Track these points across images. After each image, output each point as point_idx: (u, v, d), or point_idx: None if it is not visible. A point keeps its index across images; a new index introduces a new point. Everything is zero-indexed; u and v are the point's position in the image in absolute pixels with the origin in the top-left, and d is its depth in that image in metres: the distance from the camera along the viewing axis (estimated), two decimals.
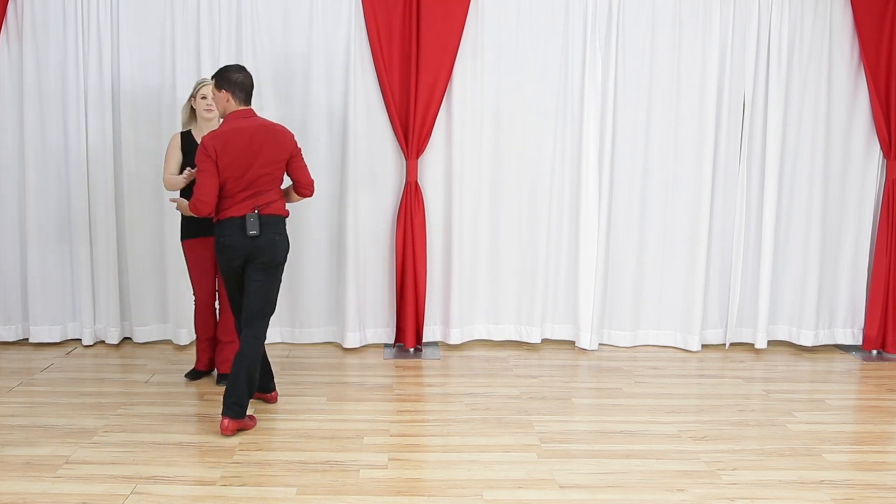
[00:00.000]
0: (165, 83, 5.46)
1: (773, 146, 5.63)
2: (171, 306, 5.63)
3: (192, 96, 4.71)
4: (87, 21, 5.36)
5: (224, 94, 4.14)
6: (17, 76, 5.46)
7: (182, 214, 4.71)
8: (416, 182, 5.51)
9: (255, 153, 4.08)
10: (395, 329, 5.74)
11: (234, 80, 4.13)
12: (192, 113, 4.79)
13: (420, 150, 5.50)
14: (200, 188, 4.04)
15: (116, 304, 5.60)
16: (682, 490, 3.58)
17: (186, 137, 4.74)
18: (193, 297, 4.88)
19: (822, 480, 3.71)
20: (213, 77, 4.24)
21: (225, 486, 3.54)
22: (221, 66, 4.68)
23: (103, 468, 3.69)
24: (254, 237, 4.09)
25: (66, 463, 3.74)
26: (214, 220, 4.20)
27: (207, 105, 4.64)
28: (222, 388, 4.78)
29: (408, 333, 5.60)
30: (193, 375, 4.97)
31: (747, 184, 5.74)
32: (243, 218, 4.09)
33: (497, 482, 3.62)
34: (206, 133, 4.60)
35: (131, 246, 5.58)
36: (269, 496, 3.45)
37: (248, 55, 5.43)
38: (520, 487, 3.57)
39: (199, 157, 4.06)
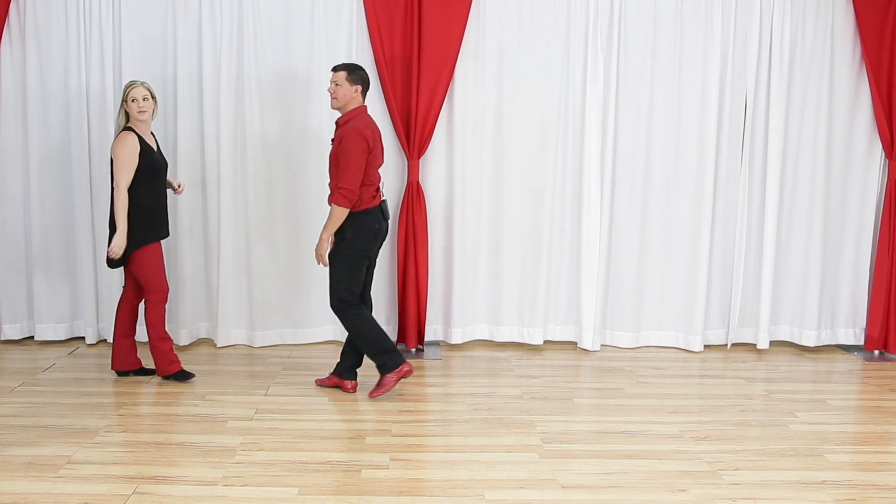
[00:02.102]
0: (167, 83, 5.46)
1: (774, 146, 5.63)
2: (171, 306, 5.63)
3: (124, 100, 4.60)
4: (89, 21, 5.37)
5: (355, 88, 4.50)
6: (19, 76, 5.47)
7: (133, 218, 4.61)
8: (418, 182, 5.51)
9: (382, 146, 4.62)
10: (396, 329, 5.75)
11: (366, 80, 4.56)
12: (126, 116, 4.67)
13: (422, 150, 5.50)
14: (356, 175, 4.40)
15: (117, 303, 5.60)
16: (683, 490, 3.58)
17: (140, 138, 4.64)
18: (158, 298, 4.74)
19: (824, 481, 3.71)
20: (341, 69, 4.51)
21: (227, 486, 3.55)
22: (347, 62, 4.83)
23: (105, 468, 3.69)
24: (387, 221, 4.68)
25: (68, 463, 3.74)
26: (353, 209, 4.45)
27: (140, 108, 4.57)
28: (224, 388, 4.78)
29: (409, 333, 5.60)
30: (184, 376, 4.93)
31: (749, 184, 5.74)
32: (382, 204, 4.62)
33: (499, 482, 3.62)
34: (145, 132, 4.67)
35: None
36: (270, 496, 3.45)
37: (250, 55, 5.43)
38: (521, 487, 3.57)
39: (357, 146, 4.38)
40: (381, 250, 5.65)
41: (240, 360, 5.40)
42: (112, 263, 4.68)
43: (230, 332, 5.68)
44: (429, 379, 5.06)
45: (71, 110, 5.46)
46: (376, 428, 4.24)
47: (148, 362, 5.04)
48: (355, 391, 4.78)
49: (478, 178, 5.64)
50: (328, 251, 4.56)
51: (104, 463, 3.75)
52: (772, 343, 5.95)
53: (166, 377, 4.90)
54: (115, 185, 4.58)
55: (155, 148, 4.76)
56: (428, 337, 5.76)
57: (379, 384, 4.65)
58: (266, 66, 5.48)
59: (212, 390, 4.79)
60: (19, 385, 4.81)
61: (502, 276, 5.77)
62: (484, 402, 4.67)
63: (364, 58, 5.45)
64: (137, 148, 4.59)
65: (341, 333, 5.74)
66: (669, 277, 5.80)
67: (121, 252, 4.59)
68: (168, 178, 4.91)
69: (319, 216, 5.58)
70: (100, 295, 5.63)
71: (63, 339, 5.69)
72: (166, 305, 4.85)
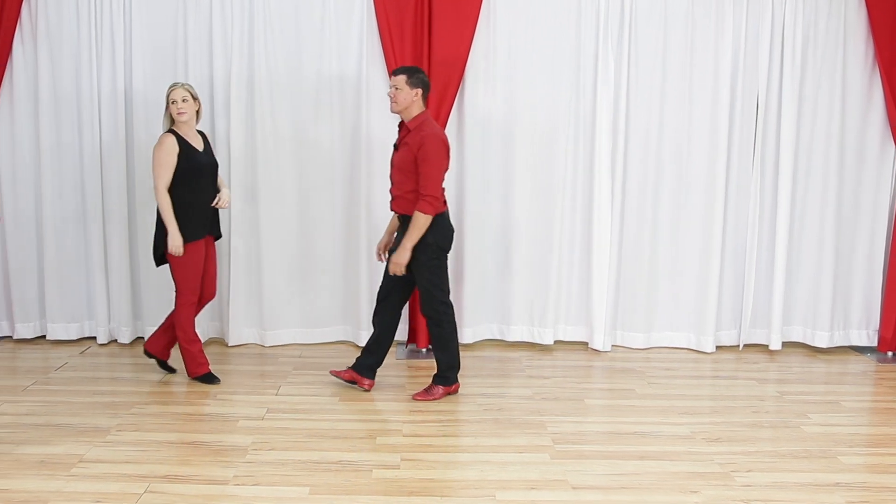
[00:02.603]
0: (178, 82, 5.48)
1: (786, 146, 5.60)
2: None
3: (166, 101, 4.65)
4: (100, 21, 5.39)
5: (416, 92, 4.47)
6: (31, 76, 5.49)
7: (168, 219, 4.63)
8: None
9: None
10: (407, 328, 5.74)
11: (426, 83, 4.52)
12: (171, 118, 4.71)
13: None
14: (438, 181, 4.43)
15: (128, 303, 5.63)
16: (695, 492, 3.57)
17: (179, 138, 4.66)
18: (187, 300, 4.76)
19: (837, 483, 3.68)
20: (401, 73, 4.47)
21: (238, 485, 3.55)
22: (409, 65, 4.82)
23: (117, 467, 3.71)
24: None
25: (81, 461, 3.75)
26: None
27: (179, 109, 4.61)
28: (235, 388, 4.80)
29: (420, 333, 5.60)
30: (211, 379, 4.94)
31: (761, 184, 5.71)
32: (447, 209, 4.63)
33: (510, 483, 3.61)
34: (188, 134, 4.68)
35: (144, 246, 5.60)
36: (281, 496, 3.46)
37: (261, 57, 5.44)
38: (532, 488, 3.57)
39: (438, 152, 4.40)
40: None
41: (251, 360, 5.40)
42: (157, 263, 4.77)
43: (241, 332, 5.70)
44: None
45: (82, 110, 5.48)
46: (387, 428, 4.24)
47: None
48: (371, 390, 4.79)
49: (488, 178, 5.64)
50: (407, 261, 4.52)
51: (116, 462, 3.76)
52: (784, 344, 5.92)
53: (194, 378, 4.91)
54: (154, 188, 4.63)
55: (200, 148, 4.75)
56: None
57: (428, 391, 4.70)
58: (276, 67, 5.48)
59: (223, 389, 4.80)
60: (32, 384, 4.84)
61: (512, 276, 5.76)
62: (495, 403, 4.66)
63: (374, 59, 5.46)
64: (175, 149, 4.60)
65: (353, 334, 5.76)
66: (681, 278, 5.78)
67: (181, 249, 4.61)
68: (220, 181, 4.91)
69: (330, 215, 5.61)
70: (111, 295, 5.65)
71: (74, 338, 5.72)
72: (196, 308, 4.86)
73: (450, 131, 5.53)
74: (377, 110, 5.51)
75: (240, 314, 5.66)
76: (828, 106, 5.65)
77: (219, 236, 4.95)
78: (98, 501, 3.37)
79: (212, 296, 4.97)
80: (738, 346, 5.88)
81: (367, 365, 4.80)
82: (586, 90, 5.59)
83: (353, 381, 4.82)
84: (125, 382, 4.91)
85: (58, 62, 5.45)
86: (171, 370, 5.08)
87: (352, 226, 5.63)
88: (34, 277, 5.69)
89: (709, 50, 5.56)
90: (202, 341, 5.06)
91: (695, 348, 5.81)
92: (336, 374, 4.86)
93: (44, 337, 5.76)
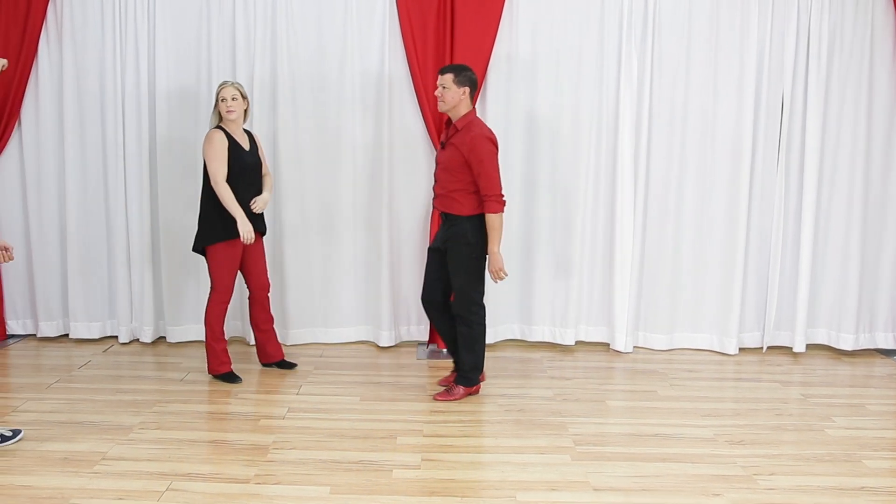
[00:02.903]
0: (201, 82, 5.52)
1: (812, 146, 5.55)
2: (204, 305, 5.67)
3: (216, 99, 4.73)
4: (125, 22, 5.43)
5: (463, 90, 4.46)
6: (56, 75, 5.54)
7: (223, 215, 4.71)
8: None
9: None
10: (428, 329, 5.75)
11: (474, 80, 4.50)
12: (219, 116, 4.79)
13: None
14: (498, 180, 4.42)
15: (151, 302, 5.67)
16: (718, 495, 3.53)
17: (228, 136, 4.73)
18: (219, 297, 4.80)
19: (863, 487, 3.64)
20: (448, 71, 4.46)
21: (259, 484, 3.56)
22: (456, 63, 4.80)
23: (139, 465, 3.73)
24: None
25: (103, 459, 3.78)
26: (466, 213, 4.48)
27: (228, 107, 4.68)
28: (256, 387, 4.81)
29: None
30: (232, 378, 4.96)
31: (785, 185, 5.66)
32: None
33: (530, 484, 3.60)
34: (235, 132, 4.72)
35: (166, 246, 5.64)
36: (302, 495, 3.46)
37: (283, 55, 5.46)
38: (553, 489, 3.55)
39: (490, 151, 4.38)
40: (412, 250, 5.70)
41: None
42: (196, 250, 4.84)
43: None
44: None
45: (106, 110, 5.52)
46: (408, 428, 4.24)
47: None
48: (484, 379, 4.81)
49: (510, 178, 5.62)
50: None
51: (138, 459, 3.78)
52: (808, 346, 5.87)
53: (216, 377, 4.94)
54: (212, 182, 4.67)
55: (247, 147, 4.80)
56: None
57: (450, 391, 4.71)
58: (299, 66, 5.50)
59: (244, 388, 4.82)
60: (55, 381, 4.88)
61: (534, 276, 5.75)
62: (516, 403, 4.65)
63: (396, 59, 5.46)
64: (225, 143, 4.67)
65: (373, 334, 5.76)
66: (704, 279, 5.74)
67: (252, 235, 4.67)
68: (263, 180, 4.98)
69: (352, 214, 5.61)
70: (133, 294, 5.69)
71: (97, 337, 5.77)
72: (228, 307, 4.93)
73: None
74: (399, 110, 5.52)
75: None
76: (854, 106, 5.59)
77: (263, 232, 4.99)
78: (120, 499, 3.39)
79: (263, 288, 5.02)
80: (762, 348, 5.84)
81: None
82: (609, 90, 5.56)
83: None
84: (147, 381, 4.94)
85: (82, 62, 5.50)
86: (292, 365, 5.20)
87: (373, 225, 5.63)
88: (57, 276, 5.75)
89: (733, 50, 5.52)
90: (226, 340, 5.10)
91: (717, 350, 5.77)
92: (444, 383, 4.92)
93: (66, 335, 5.81)
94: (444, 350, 5.62)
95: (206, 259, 4.81)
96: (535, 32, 5.52)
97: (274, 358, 5.16)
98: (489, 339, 5.72)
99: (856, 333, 5.79)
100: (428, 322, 5.75)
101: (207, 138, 4.69)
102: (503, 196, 4.45)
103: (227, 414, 4.39)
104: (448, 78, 4.47)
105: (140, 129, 5.50)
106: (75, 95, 5.52)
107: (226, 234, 4.73)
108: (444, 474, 3.68)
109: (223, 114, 4.72)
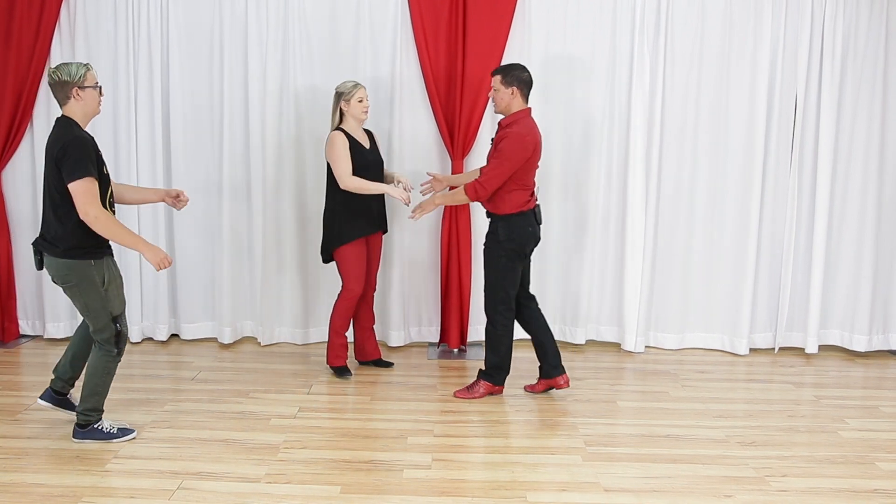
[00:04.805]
0: (214, 86, 5.53)
1: (825, 147, 5.52)
2: (217, 304, 5.70)
3: (347, 100, 4.75)
4: (138, 23, 5.44)
5: (512, 91, 4.45)
6: None
7: (343, 213, 4.79)
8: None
9: (541, 151, 4.54)
10: (439, 329, 5.74)
11: (523, 79, 4.47)
12: (340, 115, 4.83)
13: (466, 150, 5.48)
14: (498, 179, 4.38)
15: (165, 301, 5.69)
16: (729, 496, 3.52)
17: (348, 136, 4.78)
18: (349, 294, 4.89)
19: (875, 489, 3.62)
20: (496, 73, 4.49)
21: (270, 483, 3.57)
22: (508, 63, 4.75)
23: (151, 463, 3.74)
24: (540, 225, 4.65)
25: (115, 457, 3.79)
26: (500, 211, 4.49)
27: (365, 108, 4.78)
28: (267, 386, 4.82)
29: (451, 334, 5.59)
30: (343, 372, 5.04)
31: (798, 185, 5.63)
32: (536, 208, 4.58)
33: (541, 484, 3.59)
34: (356, 132, 4.81)
35: (180, 244, 5.66)
36: (313, 494, 3.46)
37: (295, 57, 5.46)
38: (564, 490, 3.54)
39: (514, 151, 4.34)
40: (424, 250, 5.69)
41: (283, 359, 5.43)
42: (325, 260, 4.97)
43: (274, 331, 5.73)
44: (471, 380, 5.04)
45: (119, 111, 5.54)
46: (418, 428, 4.24)
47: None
48: (568, 385, 4.77)
49: None
50: (424, 213, 4.63)
51: (150, 458, 3.80)
52: (821, 348, 5.84)
53: (331, 367, 5.06)
54: (339, 182, 4.71)
55: (367, 146, 4.87)
56: (470, 337, 5.75)
57: (471, 388, 4.74)
58: (312, 68, 5.50)
59: (255, 388, 4.83)
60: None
61: (546, 275, 5.74)
62: (526, 404, 4.64)
63: (409, 61, 5.46)
64: (346, 143, 4.74)
65: (383, 333, 5.76)
66: (715, 279, 5.72)
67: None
68: (388, 174, 5.05)
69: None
70: (144, 294, 5.71)
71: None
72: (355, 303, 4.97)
73: (483, 132, 5.52)
74: (410, 113, 5.51)
75: (272, 313, 5.69)
76: (868, 107, 5.56)
77: (385, 231, 5.07)
78: (132, 497, 3.40)
79: (372, 288, 5.14)
80: (774, 348, 5.81)
81: (551, 366, 4.77)
82: (621, 90, 5.55)
83: (550, 388, 4.84)
84: (159, 380, 4.96)
85: (95, 63, 5.51)
86: (389, 364, 5.29)
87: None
88: None
89: (746, 49, 5.49)
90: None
91: (729, 350, 5.74)
92: (531, 389, 4.88)
93: None
94: (456, 350, 5.61)
95: (336, 261, 4.89)
96: (547, 34, 5.51)
97: (372, 356, 5.25)
98: None
99: (869, 335, 5.75)
100: (439, 323, 5.74)
101: (329, 141, 4.76)
102: (487, 195, 4.44)
103: (238, 413, 4.41)
104: (496, 80, 4.50)
105: (153, 128, 5.52)
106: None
107: (352, 234, 4.81)
108: (455, 474, 3.68)
109: (356, 115, 4.79)
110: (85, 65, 3.74)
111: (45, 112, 5.56)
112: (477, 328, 5.76)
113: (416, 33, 5.38)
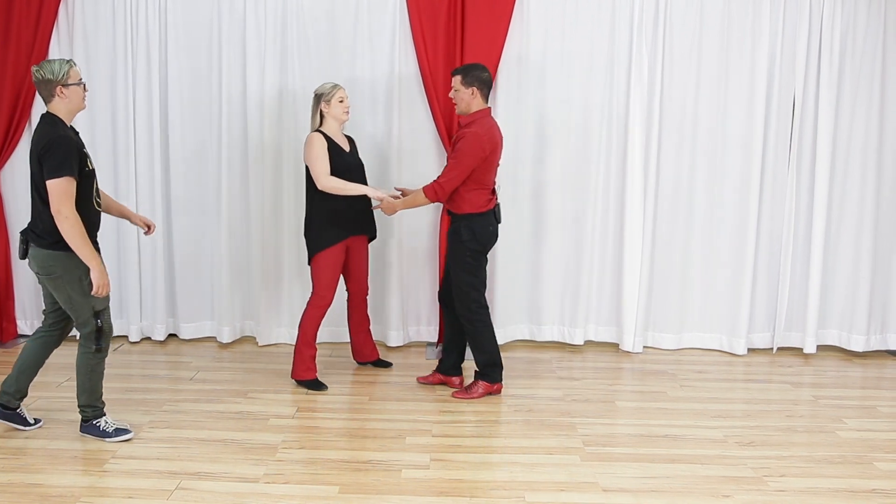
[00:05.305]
0: (212, 85, 5.53)
1: (823, 146, 5.52)
2: (216, 304, 5.70)
3: (327, 101, 4.68)
4: (136, 23, 5.44)
5: (472, 91, 4.47)
6: None
7: (322, 220, 4.70)
8: None
9: (501, 151, 4.56)
10: (437, 329, 5.74)
11: (483, 79, 4.49)
12: (321, 117, 4.76)
13: None
14: (457, 179, 4.40)
15: (163, 301, 5.68)
16: (727, 496, 3.52)
17: (327, 138, 4.71)
18: (319, 302, 4.77)
19: (874, 489, 3.62)
20: (456, 73, 4.49)
21: (268, 483, 3.57)
22: (468, 63, 4.73)
23: (149, 463, 3.74)
24: (499, 223, 4.70)
25: (113, 458, 3.79)
26: (461, 211, 4.51)
27: (346, 108, 4.71)
28: (265, 386, 4.82)
29: None
30: (317, 385, 4.87)
31: (797, 185, 5.64)
32: (496, 207, 4.60)
33: (539, 484, 3.59)
34: (336, 135, 4.73)
35: (178, 244, 5.67)
36: (311, 494, 3.46)
37: (293, 61, 5.46)
38: (562, 490, 3.54)
39: (472, 150, 4.36)
40: (422, 249, 5.69)
41: (282, 358, 5.43)
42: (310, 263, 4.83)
43: (272, 331, 5.73)
44: (469, 380, 5.04)
45: (117, 111, 5.54)
46: (417, 428, 4.24)
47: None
48: (462, 387, 4.83)
49: (520, 179, 5.62)
50: (391, 207, 4.64)
51: (148, 458, 3.79)
52: (819, 348, 5.84)
53: (299, 382, 4.88)
54: (317, 182, 4.61)
55: (347, 149, 4.80)
56: None
57: (469, 388, 4.74)
58: (309, 69, 5.49)
59: (254, 388, 4.83)
60: (66, 380, 4.89)
61: (544, 276, 5.74)
62: (525, 404, 4.64)
63: (408, 61, 5.46)
64: (325, 144, 4.65)
65: (381, 333, 5.76)
66: (713, 279, 5.72)
67: (380, 195, 4.67)
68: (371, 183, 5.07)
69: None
70: (143, 294, 5.71)
71: None
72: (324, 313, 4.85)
73: None
74: (409, 113, 5.51)
75: (271, 313, 5.69)
76: (866, 106, 5.56)
77: (373, 237, 5.00)
78: (130, 497, 3.40)
79: (362, 292, 5.06)
80: (772, 348, 5.81)
81: (450, 365, 4.89)
82: (620, 89, 5.55)
83: (442, 383, 4.92)
84: (157, 380, 4.95)
85: (94, 62, 5.51)
86: (388, 364, 5.27)
87: (382, 228, 5.63)
88: None
89: (745, 49, 5.50)
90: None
91: (727, 350, 5.75)
92: (423, 380, 4.94)
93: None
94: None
95: (311, 268, 4.79)
96: (546, 32, 5.50)
97: (370, 357, 5.23)
98: (498, 340, 5.70)
99: (867, 335, 5.76)
100: (437, 322, 5.74)
101: (307, 142, 4.68)
102: (445, 195, 4.44)
103: (236, 413, 4.40)
104: (457, 80, 4.51)
105: (151, 128, 5.51)
106: (86, 95, 5.52)
107: (327, 240, 4.71)
108: (453, 474, 3.68)
109: (338, 115, 4.71)
110: (68, 61, 3.74)
111: (43, 112, 5.55)
112: None
113: (415, 33, 5.37)
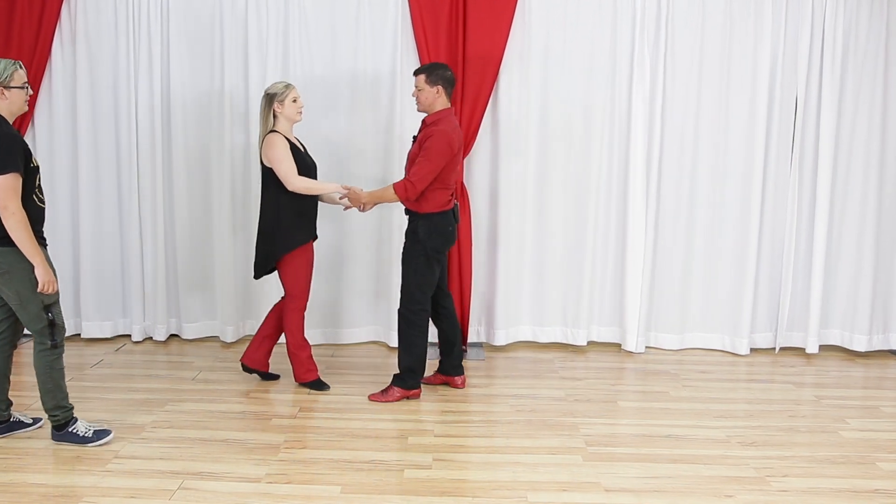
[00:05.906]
0: (214, 85, 5.53)
1: (825, 146, 5.52)
2: (218, 303, 5.70)
3: (281, 101, 4.54)
4: (138, 23, 5.44)
5: (436, 90, 4.47)
6: (70, 77, 5.56)
7: (290, 218, 4.56)
8: (462, 182, 5.49)
9: (461, 150, 4.55)
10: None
11: (447, 78, 4.48)
12: (273, 119, 4.61)
13: (466, 150, 5.48)
14: (428, 177, 4.36)
15: (164, 301, 5.69)
16: (730, 496, 3.52)
17: (287, 140, 4.60)
18: (299, 304, 4.68)
19: (877, 490, 3.62)
20: (420, 72, 4.46)
21: (270, 483, 3.56)
22: (431, 63, 4.73)
23: (151, 463, 3.74)
24: (458, 223, 4.69)
25: (116, 457, 3.79)
26: (421, 210, 4.48)
27: (300, 109, 4.59)
28: (268, 386, 4.82)
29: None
30: (320, 385, 4.83)
31: (799, 185, 5.63)
32: (455, 208, 4.59)
33: (541, 484, 3.59)
34: (289, 135, 4.61)
35: (181, 244, 5.67)
36: (313, 494, 3.46)
37: (296, 55, 5.46)
38: (564, 490, 3.54)
39: (440, 149, 4.34)
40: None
41: (283, 359, 5.41)
42: (257, 274, 4.68)
43: None
44: (471, 380, 5.04)
45: (120, 112, 5.55)
46: (419, 428, 4.23)
47: (274, 369, 5.07)
48: (465, 386, 4.84)
49: (522, 179, 5.62)
50: (361, 206, 4.60)
51: (150, 458, 3.79)
52: (821, 347, 5.84)
53: (303, 384, 4.85)
54: (287, 183, 4.47)
55: (301, 149, 4.70)
56: (471, 338, 5.75)
57: (385, 392, 4.66)
58: (311, 65, 5.50)
59: (256, 388, 4.83)
60: (68, 380, 4.88)
61: (546, 277, 5.74)
62: (527, 404, 4.64)
63: (409, 59, 5.46)
64: (287, 144, 4.54)
65: (384, 334, 5.76)
66: (716, 279, 5.72)
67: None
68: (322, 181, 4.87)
69: (363, 216, 5.60)
70: (146, 293, 5.71)
71: (109, 336, 5.79)
72: (305, 314, 4.77)
73: (484, 130, 5.53)
74: (410, 108, 5.51)
75: None
76: (869, 106, 5.56)
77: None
78: (132, 497, 3.40)
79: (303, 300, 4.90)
80: (774, 348, 5.81)
81: (452, 364, 4.87)
82: (622, 89, 5.55)
83: (445, 383, 4.92)
84: (160, 380, 4.95)
85: (96, 63, 5.52)
86: (275, 377, 5.00)
87: (383, 224, 5.64)
88: (70, 277, 5.76)
89: (747, 48, 5.50)
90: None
91: (729, 350, 5.74)
92: (427, 381, 4.92)
93: (78, 335, 5.83)
94: (464, 349, 5.62)
95: (280, 269, 4.65)
96: (548, 31, 5.50)
97: (262, 367, 4.94)
98: (500, 342, 5.71)
99: (869, 334, 5.75)
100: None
101: (268, 143, 4.51)
102: (417, 192, 4.38)
103: (238, 413, 4.40)
104: (420, 79, 4.49)
105: (153, 129, 5.52)
106: (89, 95, 5.54)
107: (300, 239, 4.60)
108: (456, 474, 3.68)
109: (291, 116, 4.57)
110: (14, 63, 3.73)
111: (47, 112, 5.57)
112: (477, 329, 5.77)
113: (417, 32, 5.38)
